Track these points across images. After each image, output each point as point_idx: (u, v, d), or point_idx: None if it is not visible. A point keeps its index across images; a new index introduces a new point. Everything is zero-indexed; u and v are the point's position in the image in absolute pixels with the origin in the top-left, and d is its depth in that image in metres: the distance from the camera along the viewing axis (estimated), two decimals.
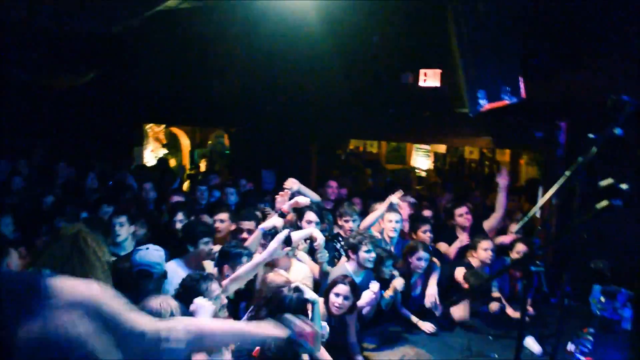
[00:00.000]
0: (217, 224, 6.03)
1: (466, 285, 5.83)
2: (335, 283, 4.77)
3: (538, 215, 7.49)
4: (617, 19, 6.69)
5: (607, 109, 3.42)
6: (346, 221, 6.26)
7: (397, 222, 6.19)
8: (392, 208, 6.20)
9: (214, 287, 3.83)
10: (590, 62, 6.87)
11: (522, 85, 6.28)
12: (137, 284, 4.10)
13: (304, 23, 8.37)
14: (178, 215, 6.08)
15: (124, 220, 5.51)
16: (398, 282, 5.43)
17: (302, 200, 5.45)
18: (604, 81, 6.61)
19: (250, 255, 4.58)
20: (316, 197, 6.27)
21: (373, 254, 5.28)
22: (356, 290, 4.76)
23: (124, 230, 5.50)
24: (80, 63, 9.43)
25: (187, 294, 3.68)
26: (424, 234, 6.43)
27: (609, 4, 6.71)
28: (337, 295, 4.69)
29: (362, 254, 5.24)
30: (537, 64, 6.72)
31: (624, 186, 2.44)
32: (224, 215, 6.12)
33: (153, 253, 4.27)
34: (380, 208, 6.20)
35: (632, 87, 6.18)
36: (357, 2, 7.78)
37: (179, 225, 5.91)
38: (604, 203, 2.52)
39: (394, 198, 6.14)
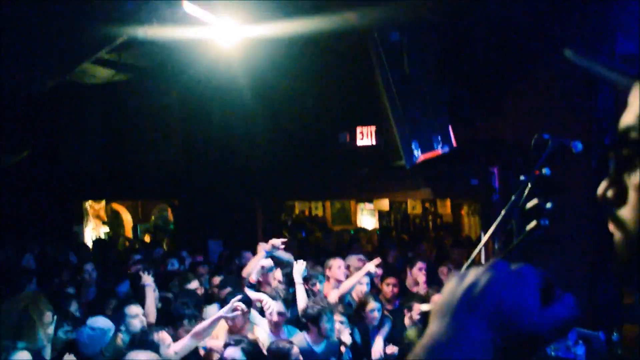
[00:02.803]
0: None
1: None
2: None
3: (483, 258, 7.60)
4: (536, 61, 7.12)
5: (532, 148, 3.59)
6: (313, 284, 6.25)
7: (367, 284, 6.22)
8: (371, 275, 6.19)
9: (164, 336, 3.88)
10: (513, 105, 7.24)
11: (451, 133, 6.53)
12: None
13: (238, 90, 8.51)
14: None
15: None
16: (346, 337, 5.36)
17: (266, 263, 5.55)
18: (528, 122, 6.92)
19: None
20: (289, 257, 6.24)
21: (332, 325, 5.21)
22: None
23: None
24: (13, 140, 9.22)
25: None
26: (387, 286, 6.50)
27: (526, 47, 7.15)
28: None
29: (324, 325, 5.14)
30: (463, 112, 7.03)
31: (548, 205, 2.53)
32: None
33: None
34: (357, 274, 6.14)
35: (554, 126, 6.50)
36: (288, 66, 8.00)
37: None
38: (533, 223, 2.59)
39: (372, 267, 6.09)
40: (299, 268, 5.94)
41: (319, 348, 5.15)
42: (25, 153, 9.81)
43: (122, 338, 4.57)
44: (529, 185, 3.39)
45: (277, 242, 6.01)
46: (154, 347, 3.94)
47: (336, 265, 6.39)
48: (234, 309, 4.74)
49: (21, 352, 3.73)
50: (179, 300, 5.37)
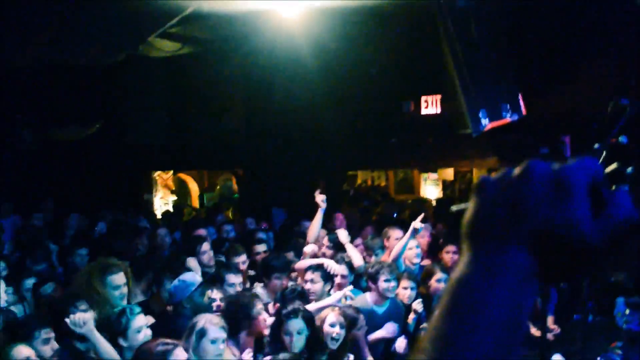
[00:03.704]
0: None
1: None
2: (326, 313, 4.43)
3: None
4: (607, 26, 6.76)
5: (608, 115, 3.44)
6: (370, 255, 6.25)
7: (417, 247, 6.09)
8: (416, 233, 6.09)
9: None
10: (585, 72, 6.92)
11: (521, 102, 6.31)
12: None
13: (301, 60, 8.49)
14: (203, 246, 6.05)
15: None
16: (417, 305, 5.29)
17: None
18: (601, 90, 6.61)
19: None
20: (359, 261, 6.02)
21: (393, 283, 5.13)
22: (349, 319, 4.49)
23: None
24: (85, 114, 9.58)
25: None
26: (447, 254, 6.38)
27: (598, 14, 6.78)
28: (333, 325, 4.33)
29: (382, 284, 5.10)
30: (534, 80, 6.77)
31: (629, 169, 2.42)
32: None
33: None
34: (405, 236, 6.07)
35: (630, 92, 6.19)
36: (351, 36, 7.91)
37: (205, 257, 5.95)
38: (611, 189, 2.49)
39: (417, 223, 6.03)
40: (343, 233, 5.98)
41: (380, 309, 5.09)
42: (97, 126, 10.19)
43: (209, 295, 4.68)
44: (604, 154, 3.26)
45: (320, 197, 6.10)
46: (249, 310, 4.09)
47: (394, 236, 6.27)
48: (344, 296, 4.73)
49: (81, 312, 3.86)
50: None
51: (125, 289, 4.58)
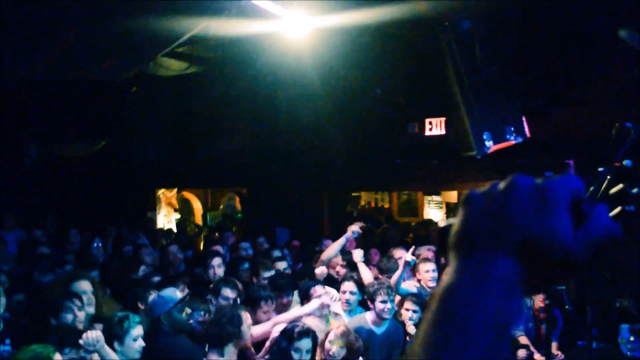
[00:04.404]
0: None
1: None
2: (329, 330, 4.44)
3: None
4: (609, 50, 6.78)
5: (613, 138, 3.43)
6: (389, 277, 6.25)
7: (433, 271, 6.01)
8: (409, 264, 6.01)
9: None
10: (589, 95, 6.94)
11: (525, 124, 6.32)
12: None
13: (306, 81, 8.55)
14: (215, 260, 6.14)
15: None
16: (411, 328, 5.25)
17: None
18: (605, 113, 6.61)
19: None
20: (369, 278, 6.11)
21: (389, 305, 5.06)
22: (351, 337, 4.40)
23: None
24: (90, 132, 9.65)
25: None
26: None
27: (599, 38, 6.82)
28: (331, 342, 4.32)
29: (378, 304, 5.03)
30: (538, 102, 6.79)
31: (634, 190, 2.39)
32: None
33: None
34: (401, 266, 5.99)
35: (633, 116, 6.19)
36: (356, 57, 7.96)
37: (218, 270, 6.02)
38: (617, 210, 2.46)
39: (409, 256, 5.87)
40: (358, 252, 6.15)
41: (379, 329, 5.03)
42: (102, 143, 10.25)
43: (187, 312, 4.70)
44: (608, 177, 3.24)
45: (356, 227, 6.37)
46: (238, 323, 4.11)
47: (397, 255, 6.29)
48: (322, 307, 4.75)
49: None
50: (255, 285, 5.55)
51: (90, 296, 4.69)
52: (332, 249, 6.40)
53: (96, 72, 7.64)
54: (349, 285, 5.36)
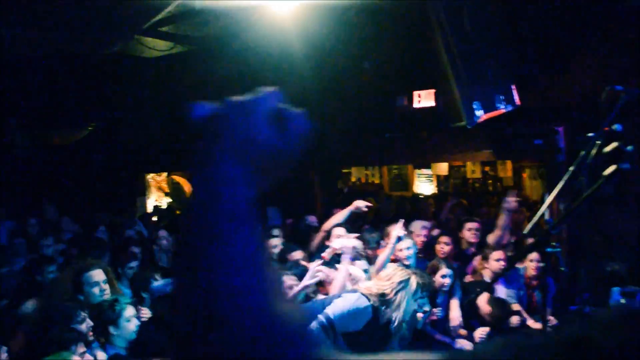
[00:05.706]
0: None
1: (487, 313, 5.71)
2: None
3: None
4: (602, 15, 6.77)
5: (603, 102, 3.41)
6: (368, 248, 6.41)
7: (408, 248, 6.04)
8: (399, 239, 6.03)
9: None
10: (579, 63, 6.93)
11: (515, 92, 6.32)
12: None
13: (293, 56, 8.47)
14: None
15: None
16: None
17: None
18: (596, 80, 6.62)
19: None
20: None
21: None
22: None
23: None
24: (78, 116, 9.54)
25: None
26: (439, 245, 6.51)
27: (587, 4, 6.80)
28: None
29: None
30: (528, 70, 6.78)
31: (629, 147, 2.38)
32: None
33: None
34: (388, 245, 6.00)
35: (623, 80, 6.19)
36: (343, 30, 7.89)
37: None
38: (612, 168, 2.44)
39: (399, 231, 5.94)
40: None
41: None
42: (89, 128, 10.15)
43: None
44: (598, 142, 3.23)
45: (363, 203, 6.54)
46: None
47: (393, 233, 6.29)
48: (314, 276, 4.80)
49: None
50: None
51: (105, 286, 4.64)
52: (335, 219, 6.55)
53: (76, 46, 7.49)
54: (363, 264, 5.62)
